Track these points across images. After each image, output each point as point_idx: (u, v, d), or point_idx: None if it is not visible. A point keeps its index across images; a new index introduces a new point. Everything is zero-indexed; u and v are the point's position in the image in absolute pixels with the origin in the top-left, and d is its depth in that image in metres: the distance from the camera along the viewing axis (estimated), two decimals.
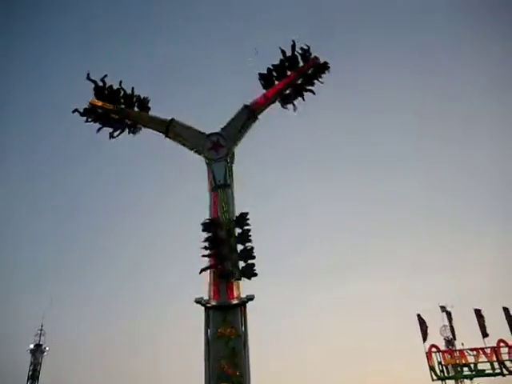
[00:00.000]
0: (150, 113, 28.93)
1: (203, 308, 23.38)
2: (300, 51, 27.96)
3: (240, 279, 23.56)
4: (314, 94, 28.21)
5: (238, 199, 25.93)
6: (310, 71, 28.09)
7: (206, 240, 23.96)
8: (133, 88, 28.69)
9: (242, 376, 21.71)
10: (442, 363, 37.52)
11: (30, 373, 56.41)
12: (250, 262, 23.78)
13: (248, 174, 28.31)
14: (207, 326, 23.12)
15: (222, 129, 27.45)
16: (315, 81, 28.03)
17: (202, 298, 23.61)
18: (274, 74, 28.07)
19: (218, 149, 26.55)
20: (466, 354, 37.77)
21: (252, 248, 24.14)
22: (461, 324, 41.30)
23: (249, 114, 27.47)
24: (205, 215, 25.10)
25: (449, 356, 37.88)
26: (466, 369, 37.31)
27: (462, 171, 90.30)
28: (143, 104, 28.89)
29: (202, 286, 24.13)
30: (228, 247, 23.80)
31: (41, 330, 59.03)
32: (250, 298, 23.52)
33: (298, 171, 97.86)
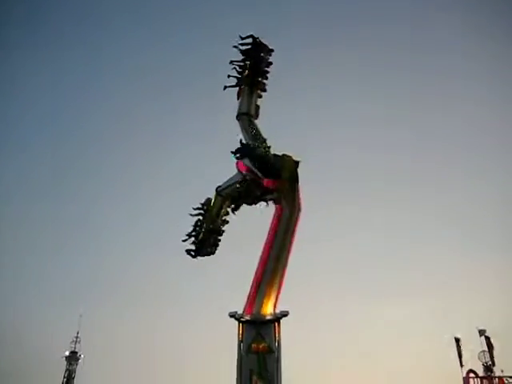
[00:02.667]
0: None
1: (237, 322, 23.67)
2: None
3: (188, 252, 27.41)
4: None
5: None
6: None
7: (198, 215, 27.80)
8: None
9: None
10: None
11: (65, 379, 57.63)
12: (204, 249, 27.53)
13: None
14: (240, 340, 23.38)
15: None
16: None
17: (235, 312, 23.90)
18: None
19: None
20: (505, 381, 36.32)
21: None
22: (502, 350, 39.66)
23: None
24: None
25: (487, 383, 36.49)
26: None
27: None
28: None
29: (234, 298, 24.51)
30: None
31: (77, 337, 60.38)
32: (284, 314, 23.71)
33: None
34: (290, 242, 25.22)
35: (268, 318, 23.42)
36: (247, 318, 23.46)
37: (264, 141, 27.68)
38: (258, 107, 29.60)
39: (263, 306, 23.66)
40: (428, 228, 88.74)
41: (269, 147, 27.37)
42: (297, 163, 26.31)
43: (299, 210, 25.76)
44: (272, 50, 30.00)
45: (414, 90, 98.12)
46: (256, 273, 24.62)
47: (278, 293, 24.28)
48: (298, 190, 26.06)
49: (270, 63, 30.15)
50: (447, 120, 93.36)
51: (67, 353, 59.14)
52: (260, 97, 29.97)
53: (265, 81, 30.10)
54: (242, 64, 29.60)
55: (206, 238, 27.47)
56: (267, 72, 30.12)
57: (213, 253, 28.02)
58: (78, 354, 59.35)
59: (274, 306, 23.95)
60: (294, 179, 26.08)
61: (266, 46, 29.79)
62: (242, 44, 29.44)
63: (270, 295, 23.90)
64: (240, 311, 23.90)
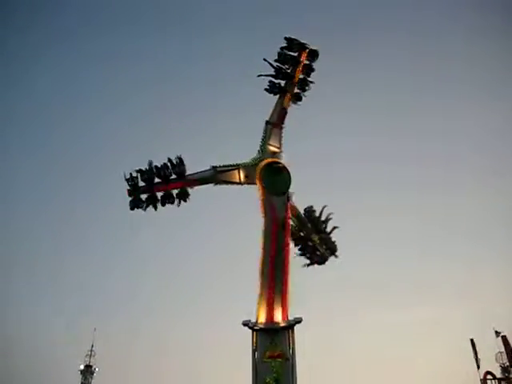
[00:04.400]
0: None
1: (251, 331, 23.65)
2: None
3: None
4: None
5: None
6: None
7: None
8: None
9: None
10: None
11: None
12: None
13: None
14: (255, 348, 23.37)
15: None
16: None
17: (249, 321, 23.87)
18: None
19: None
20: None
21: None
22: None
23: None
24: None
25: None
26: None
27: None
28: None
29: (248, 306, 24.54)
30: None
31: (91, 350, 60.20)
32: (298, 321, 23.65)
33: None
34: (272, 250, 24.41)
35: (281, 325, 23.36)
36: (261, 326, 23.43)
37: (263, 146, 27.14)
38: (284, 113, 27.89)
39: (275, 313, 23.59)
40: (439, 235, 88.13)
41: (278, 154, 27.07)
42: (273, 168, 25.91)
43: (268, 218, 25.03)
44: (312, 51, 28.13)
45: (415, 94, 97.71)
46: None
47: (284, 300, 23.99)
48: (265, 196, 25.45)
49: (309, 67, 28.20)
50: (450, 125, 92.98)
51: (82, 366, 59.13)
52: (295, 101, 28.12)
53: (298, 86, 28.07)
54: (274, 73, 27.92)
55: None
56: (301, 78, 28.12)
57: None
58: (93, 368, 59.34)
59: (284, 313, 23.81)
60: (263, 185, 25.71)
61: (302, 45, 28.00)
62: (282, 49, 27.87)
63: (278, 303, 23.73)
64: (253, 319, 23.89)
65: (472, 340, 37.96)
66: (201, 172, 26.81)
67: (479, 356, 37.86)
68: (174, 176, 26.26)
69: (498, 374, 38.19)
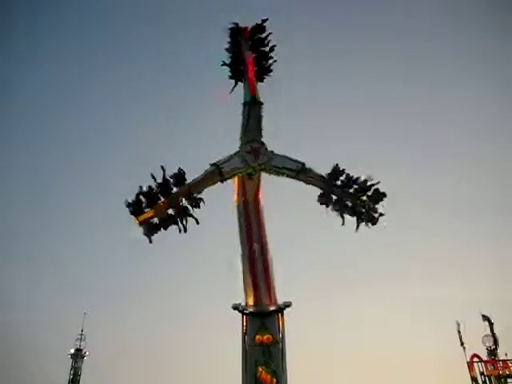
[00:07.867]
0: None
1: (241, 314, 23.65)
2: None
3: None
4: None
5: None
6: None
7: None
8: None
9: (280, 383, 21.87)
10: (485, 374, 36.34)
11: (71, 377, 57.85)
12: None
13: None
14: (245, 332, 23.31)
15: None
16: None
17: (239, 304, 23.77)
18: None
19: (257, 155, 24.86)
20: (509, 364, 36.50)
21: None
22: (505, 333, 39.86)
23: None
24: None
25: (492, 366, 36.65)
26: (510, 380, 36.06)
27: None
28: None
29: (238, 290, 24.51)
30: None
31: (81, 334, 60.54)
32: (288, 305, 23.55)
33: None
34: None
35: (271, 308, 23.30)
36: (251, 309, 23.35)
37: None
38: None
39: (265, 296, 23.59)
40: (426, 218, 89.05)
41: None
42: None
43: None
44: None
45: (410, 81, 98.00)
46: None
47: (269, 283, 23.93)
48: None
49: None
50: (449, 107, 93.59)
51: (72, 350, 59.34)
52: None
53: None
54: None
55: None
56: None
57: None
58: (83, 352, 59.54)
59: (271, 296, 23.73)
60: None
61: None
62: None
63: (263, 286, 23.70)
64: (243, 303, 23.88)
65: (458, 323, 38.48)
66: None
67: (468, 339, 38.46)
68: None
69: (485, 357, 38.76)
